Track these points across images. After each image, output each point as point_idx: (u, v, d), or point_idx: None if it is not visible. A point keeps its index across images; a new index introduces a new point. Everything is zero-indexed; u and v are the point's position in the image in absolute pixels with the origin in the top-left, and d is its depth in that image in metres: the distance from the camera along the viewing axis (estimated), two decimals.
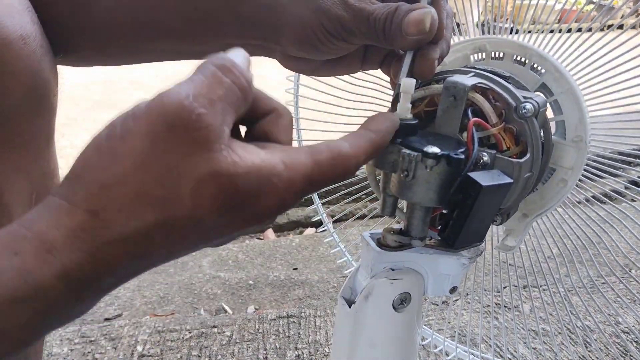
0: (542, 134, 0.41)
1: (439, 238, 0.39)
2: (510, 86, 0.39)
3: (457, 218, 0.35)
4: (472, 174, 0.34)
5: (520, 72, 0.47)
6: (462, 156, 0.34)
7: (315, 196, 0.91)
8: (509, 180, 0.35)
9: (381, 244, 0.40)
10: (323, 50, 0.40)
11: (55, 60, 0.38)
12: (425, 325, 0.88)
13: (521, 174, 0.38)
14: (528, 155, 0.38)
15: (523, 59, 0.47)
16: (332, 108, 0.74)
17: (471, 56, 0.50)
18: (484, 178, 0.34)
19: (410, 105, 0.35)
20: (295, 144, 0.88)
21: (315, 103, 0.79)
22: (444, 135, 0.38)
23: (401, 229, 0.39)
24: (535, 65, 0.47)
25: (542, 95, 0.44)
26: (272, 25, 0.40)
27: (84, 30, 0.41)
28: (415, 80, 0.36)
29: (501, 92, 0.39)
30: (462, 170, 0.35)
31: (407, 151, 0.34)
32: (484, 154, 0.37)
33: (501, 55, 0.49)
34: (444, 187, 0.35)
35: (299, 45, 0.40)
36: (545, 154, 0.42)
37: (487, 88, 0.39)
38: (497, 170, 0.37)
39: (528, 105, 0.37)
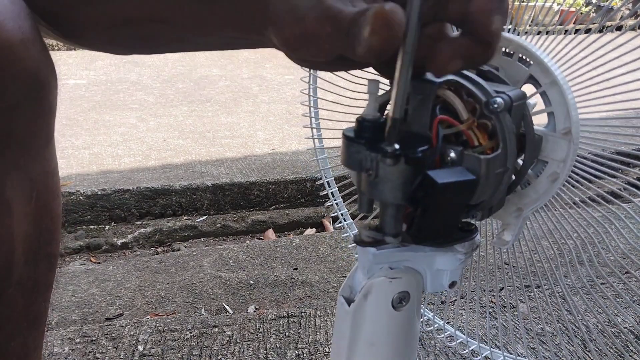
0: (522, 128, 0.41)
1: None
2: (481, 81, 0.38)
3: (420, 215, 0.36)
4: (431, 172, 0.34)
5: (509, 65, 0.47)
6: (421, 154, 0.34)
7: (330, 193, 0.92)
8: (470, 177, 0.35)
9: (356, 240, 0.39)
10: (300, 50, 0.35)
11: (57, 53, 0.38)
12: (425, 324, 0.88)
13: (490, 170, 0.37)
14: (499, 151, 0.37)
15: (510, 51, 0.48)
16: (345, 108, 0.74)
17: None
18: (442, 176, 0.34)
19: (377, 105, 0.35)
20: (311, 143, 0.89)
21: (329, 104, 0.79)
22: (415, 133, 0.37)
23: (377, 225, 0.39)
24: (523, 57, 0.47)
25: (520, 89, 0.44)
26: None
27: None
28: (378, 80, 0.35)
29: (471, 87, 0.38)
30: (424, 168, 0.34)
31: (368, 151, 0.34)
32: (451, 151, 0.36)
33: None
34: (408, 185, 0.34)
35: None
36: (529, 147, 0.42)
37: (457, 83, 0.38)
38: (461, 168, 0.36)
39: (498, 100, 0.37)
